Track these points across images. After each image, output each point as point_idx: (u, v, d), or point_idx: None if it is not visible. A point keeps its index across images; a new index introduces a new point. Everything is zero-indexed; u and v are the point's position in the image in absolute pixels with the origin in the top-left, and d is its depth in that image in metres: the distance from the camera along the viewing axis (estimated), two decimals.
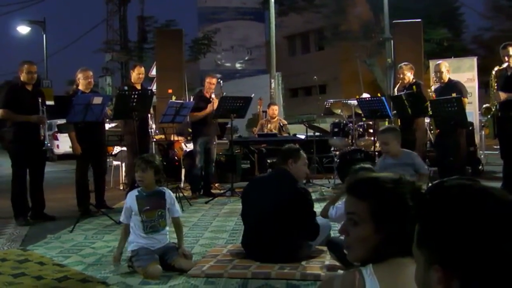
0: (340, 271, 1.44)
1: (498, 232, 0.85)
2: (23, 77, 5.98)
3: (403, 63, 7.58)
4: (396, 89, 7.70)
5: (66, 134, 17.72)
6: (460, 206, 0.89)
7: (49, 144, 6.20)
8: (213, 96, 7.70)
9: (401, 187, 1.40)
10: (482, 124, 10.15)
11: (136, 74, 7.19)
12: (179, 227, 4.33)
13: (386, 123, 8.36)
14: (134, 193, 4.19)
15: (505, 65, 6.33)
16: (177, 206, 4.33)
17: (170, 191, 4.38)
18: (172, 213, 4.24)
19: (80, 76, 6.60)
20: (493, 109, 6.44)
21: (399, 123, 7.60)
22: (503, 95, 6.18)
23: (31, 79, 6.03)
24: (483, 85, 12.58)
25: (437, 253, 0.90)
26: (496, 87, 6.42)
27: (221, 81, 8.31)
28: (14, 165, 6.01)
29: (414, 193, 1.38)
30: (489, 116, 6.53)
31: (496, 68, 6.53)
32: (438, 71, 7.04)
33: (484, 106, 6.72)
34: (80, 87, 6.58)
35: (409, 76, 7.42)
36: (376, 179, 1.43)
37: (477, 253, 0.85)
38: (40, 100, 5.98)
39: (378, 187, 1.39)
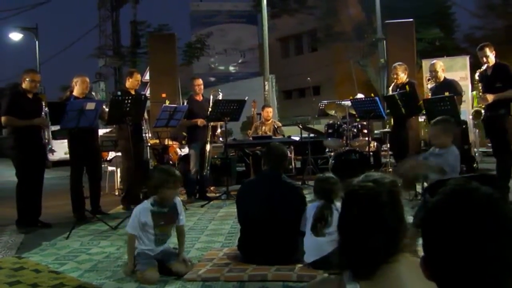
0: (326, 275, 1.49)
1: (474, 236, 0.92)
2: (25, 85, 5.99)
3: (397, 63, 7.60)
4: (390, 88, 7.73)
5: (61, 141, 17.68)
6: (441, 204, 0.98)
7: (52, 147, 6.17)
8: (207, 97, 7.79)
9: (367, 188, 1.44)
10: (475, 122, 10.17)
11: (134, 80, 7.14)
12: (182, 234, 4.25)
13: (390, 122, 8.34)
14: (148, 207, 4.00)
15: (484, 66, 6.37)
16: (183, 214, 4.24)
17: (179, 199, 4.26)
18: (178, 221, 4.17)
19: (77, 80, 6.60)
20: (483, 113, 6.47)
21: (392, 123, 7.63)
22: (490, 97, 6.21)
23: (34, 87, 6.07)
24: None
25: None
26: (481, 90, 6.46)
27: (220, 91, 8.34)
28: (18, 172, 5.99)
29: (389, 197, 1.41)
30: (480, 121, 6.54)
31: (478, 72, 6.58)
32: (433, 71, 7.06)
33: (473, 109, 6.72)
34: (75, 93, 6.57)
35: (402, 76, 7.45)
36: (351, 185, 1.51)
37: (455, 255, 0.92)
38: (43, 104, 6.04)
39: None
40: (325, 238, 3.66)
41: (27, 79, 5.97)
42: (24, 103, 5.93)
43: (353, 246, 1.39)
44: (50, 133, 6.13)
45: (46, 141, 5.99)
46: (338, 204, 3.78)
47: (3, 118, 5.86)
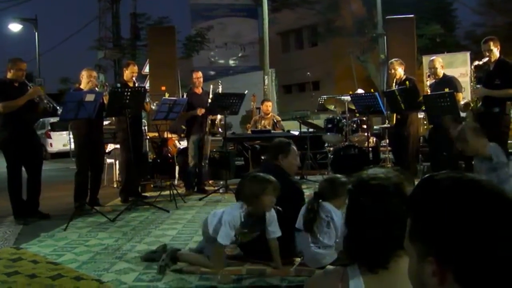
0: (330, 267, 1.52)
1: (491, 221, 0.85)
2: (11, 74, 5.90)
3: (394, 59, 7.67)
4: (393, 84, 7.69)
5: (59, 133, 17.55)
6: (452, 198, 0.89)
7: (57, 107, 6.07)
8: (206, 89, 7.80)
9: (379, 178, 1.48)
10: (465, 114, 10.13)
11: (130, 73, 7.17)
12: (274, 249, 3.83)
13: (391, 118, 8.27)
14: (239, 216, 3.74)
15: (485, 59, 6.32)
16: (274, 226, 3.83)
17: (273, 210, 3.86)
18: (268, 233, 3.82)
19: (84, 74, 6.61)
20: (472, 105, 6.44)
21: (395, 119, 7.61)
22: (482, 90, 6.20)
23: (21, 76, 5.96)
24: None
25: (431, 245, 0.89)
26: (475, 82, 6.45)
27: (220, 83, 8.33)
28: (9, 165, 5.96)
29: (396, 189, 1.43)
30: (470, 110, 6.49)
31: (476, 63, 6.53)
32: (432, 67, 7.05)
33: (462, 102, 6.69)
34: (82, 86, 6.59)
35: (400, 71, 7.48)
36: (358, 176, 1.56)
37: (471, 243, 0.85)
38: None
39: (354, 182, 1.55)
40: (326, 250, 3.66)
41: (14, 68, 5.89)
42: (12, 92, 5.83)
43: (364, 236, 1.41)
44: (49, 100, 6.07)
45: (49, 106, 5.95)
46: (327, 205, 3.74)
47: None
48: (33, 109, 5.99)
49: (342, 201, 3.69)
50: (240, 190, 3.89)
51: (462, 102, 6.69)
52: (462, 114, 7.27)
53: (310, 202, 3.75)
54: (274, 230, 3.80)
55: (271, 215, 3.81)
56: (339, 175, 3.95)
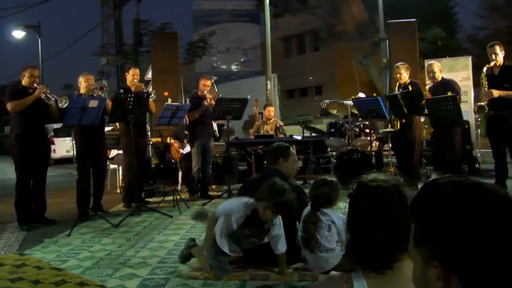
0: (334, 272, 1.54)
1: (495, 225, 0.86)
2: (24, 81, 6.04)
3: (400, 63, 7.63)
4: (396, 89, 7.67)
5: (63, 139, 17.55)
6: (455, 202, 0.90)
7: (58, 99, 6.08)
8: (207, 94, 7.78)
9: (379, 180, 1.54)
10: (478, 123, 10.16)
11: (131, 76, 7.21)
12: (281, 258, 3.81)
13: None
14: (250, 205, 3.74)
15: (492, 63, 6.40)
16: (280, 242, 3.78)
17: (281, 225, 3.79)
18: (274, 250, 3.79)
19: (81, 79, 6.66)
20: (486, 108, 6.47)
21: (399, 124, 7.59)
22: (496, 92, 6.23)
23: (33, 82, 6.07)
24: (478, 84, 12.63)
25: (435, 249, 0.90)
26: (487, 85, 6.48)
27: (213, 79, 8.30)
28: (18, 170, 6.01)
29: (396, 190, 1.47)
30: (483, 115, 6.53)
31: (486, 67, 6.59)
32: (431, 71, 7.16)
33: (477, 104, 6.71)
34: (81, 91, 6.63)
35: (405, 76, 7.48)
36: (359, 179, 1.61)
37: (475, 246, 0.85)
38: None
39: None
40: (328, 254, 3.66)
41: (26, 75, 6.02)
42: (25, 97, 5.91)
43: (368, 238, 1.43)
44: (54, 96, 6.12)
45: (53, 100, 6.00)
46: (327, 210, 3.74)
47: (8, 106, 5.88)
48: (44, 110, 6.04)
49: (336, 201, 3.78)
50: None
51: (477, 104, 6.73)
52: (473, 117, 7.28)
53: (307, 220, 3.74)
54: (280, 248, 3.77)
55: (274, 234, 3.75)
56: (327, 180, 3.89)
